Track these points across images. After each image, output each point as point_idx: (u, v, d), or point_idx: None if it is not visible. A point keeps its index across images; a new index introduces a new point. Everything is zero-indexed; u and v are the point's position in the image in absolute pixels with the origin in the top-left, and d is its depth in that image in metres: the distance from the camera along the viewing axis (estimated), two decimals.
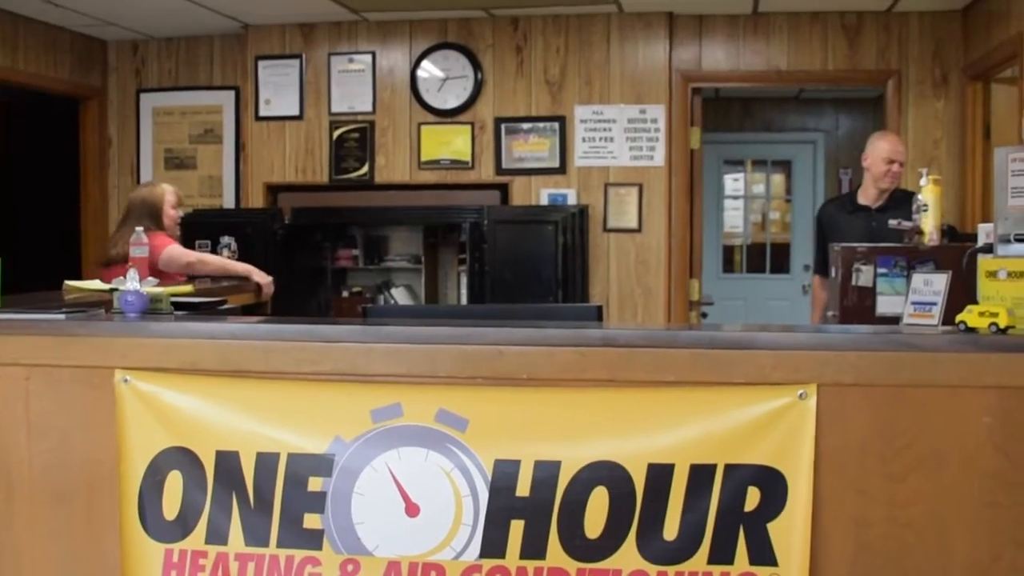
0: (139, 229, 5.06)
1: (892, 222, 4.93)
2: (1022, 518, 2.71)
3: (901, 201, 5.66)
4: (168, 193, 6.16)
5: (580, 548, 2.81)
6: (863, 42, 8.10)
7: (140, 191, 6.32)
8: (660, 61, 8.20)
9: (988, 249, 3.09)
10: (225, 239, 8.02)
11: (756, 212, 12.19)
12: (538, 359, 2.92)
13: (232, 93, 9.07)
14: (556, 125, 8.28)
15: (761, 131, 11.90)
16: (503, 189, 8.40)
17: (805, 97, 11.60)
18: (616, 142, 8.21)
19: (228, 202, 9.03)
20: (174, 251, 5.91)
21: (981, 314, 2.86)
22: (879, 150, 6.14)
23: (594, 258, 8.23)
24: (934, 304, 3.08)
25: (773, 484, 2.75)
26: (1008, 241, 2.97)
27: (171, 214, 6.12)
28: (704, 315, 8.68)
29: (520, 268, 7.91)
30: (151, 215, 6.01)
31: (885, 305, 4.64)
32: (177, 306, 3.61)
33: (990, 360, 2.74)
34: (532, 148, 8.32)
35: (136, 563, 3.03)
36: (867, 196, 6.17)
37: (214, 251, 7.98)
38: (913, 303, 3.14)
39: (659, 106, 8.17)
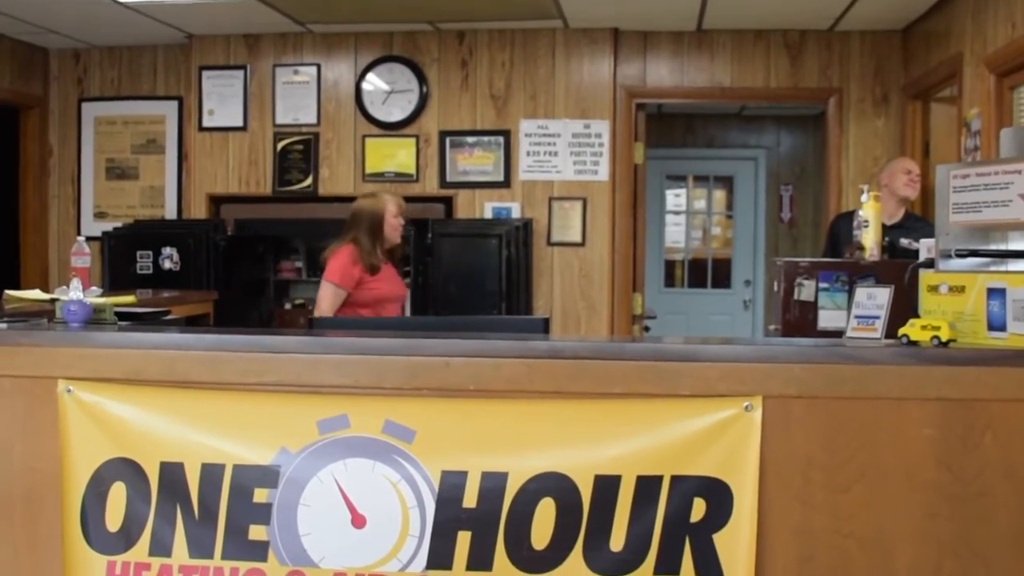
0: (80, 238, 4.99)
1: (904, 241, 5.05)
2: (963, 529, 2.75)
3: (914, 223, 6.07)
4: (390, 203, 6.23)
5: (527, 559, 2.81)
6: (805, 60, 8.19)
7: (363, 202, 6.32)
8: (605, 76, 8.25)
9: (930, 264, 3.13)
10: (167, 250, 7.99)
11: (697, 227, 12.26)
12: (485, 370, 2.91)
13: (175, 103, 9.01)
14: (501, 139, 8.30)
15: (703, 147, 11.97)
16: (447, 202, 8.41)
17: (747, 114, 11.70)
18: (560, 156, 8.24)
19: (170, 213, 8.96)
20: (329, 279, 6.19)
21: (923, 328, 2.89)
22: (896, 165, 6.56)
23: (538, 271, 8.25)
24: (877, 318, 3.12)
25: (719, 495, 2.77)
26: (949, 256, 3.01)
27: (392, 223, 6.20)
28: (647, 329, 8.73)
29: (464, 281, 7.90)
30: (371, 225, 6.14)
31: (827, 319, 4.70)
32: (121, 316, 3.58)
33: (932, 373, 2.77)
34: (476, 162, 8.33)
35: (78, 575, 3.00)
36: (884, 213, 6.34)
37: (155, 262, 7.95)
38: (856, 316, 3.17)
39: (603, 121, 8.22)
